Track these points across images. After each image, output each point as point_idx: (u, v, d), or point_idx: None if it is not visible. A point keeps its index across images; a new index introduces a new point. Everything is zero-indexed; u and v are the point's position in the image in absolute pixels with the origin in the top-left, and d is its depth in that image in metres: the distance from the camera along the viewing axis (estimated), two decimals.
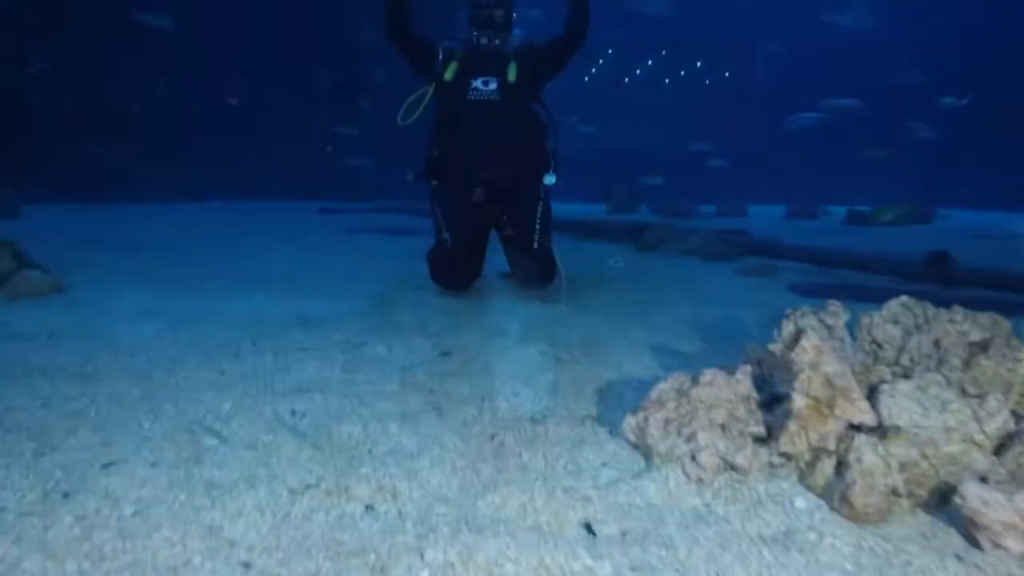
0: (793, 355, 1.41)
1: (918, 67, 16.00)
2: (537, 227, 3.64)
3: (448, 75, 3.54)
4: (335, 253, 5.52)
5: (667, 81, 21.96)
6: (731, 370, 1.70)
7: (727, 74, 21.50)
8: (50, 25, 11.41)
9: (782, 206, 14.42)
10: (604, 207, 13.34)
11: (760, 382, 1.62)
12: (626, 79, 22.23)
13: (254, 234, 6.88)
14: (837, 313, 1.79)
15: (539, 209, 3.69)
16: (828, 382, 1.33)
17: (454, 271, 3.60)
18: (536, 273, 3.64)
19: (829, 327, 1.80)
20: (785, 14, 17.62)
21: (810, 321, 1.83)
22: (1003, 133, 15.45)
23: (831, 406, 1.32)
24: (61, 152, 11.30)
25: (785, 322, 1.88)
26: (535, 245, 3.62)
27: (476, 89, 3.55)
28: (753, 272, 4.84)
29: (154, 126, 12.60)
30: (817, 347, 1.38)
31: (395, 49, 3.64)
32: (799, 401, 1.34)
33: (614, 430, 1.70)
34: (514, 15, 3.57)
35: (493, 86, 3.54)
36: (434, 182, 3.76)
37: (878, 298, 4.04)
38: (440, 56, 3.58)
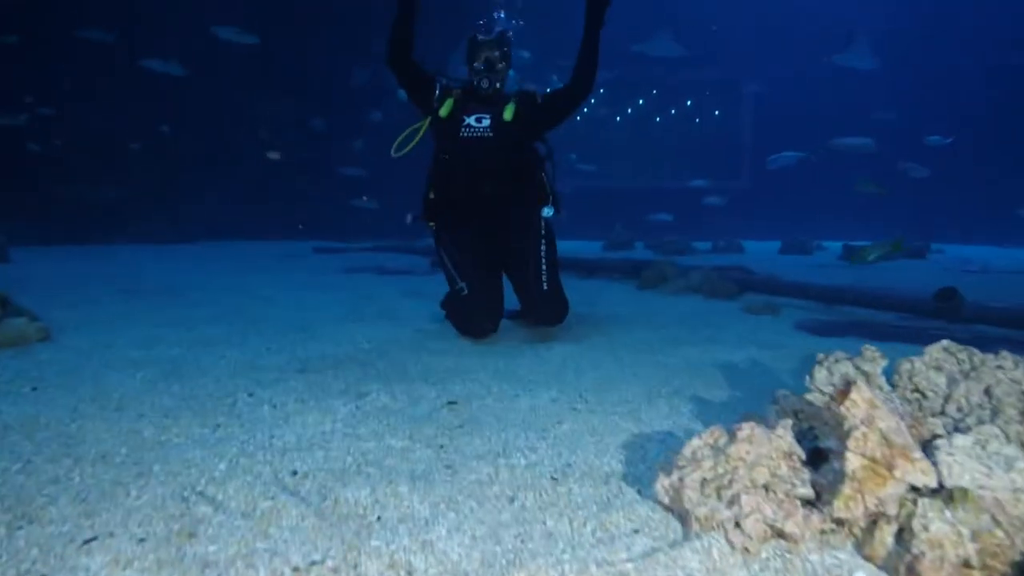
0: (843, 409, 1.29)
1: (914, 105, 16.27)
2: (543, 265, 3.56)
3: (444, 112, 3.50)
4: (331, 294, 5.41)
5: (662, 119, 22.21)
6: (769, 423, 1.58)
7: (718, 112, 21.78)
8: (45, 68, 11.43)
9: (777, 242, 14.47)
10: (600, 244, 13.34)
11: (798, 435, 1.51)
12: (617, 117, 22.49)
13: (248, 275, 6.76)
14: (874, 359, 1.69)
15: (542, 244, 3.61)
16: (885, 440, 1.22)
17: (479, 321, 3.50)
18: (548, 314, 3.56)
19: (866, 374, 1.69)
20: (789, 56, 17.88)
21: (845, 367, 1.72)
22: (993, 170, 15.63)
23: (890, 467, 1.20)
24: (51, 194, 11.22)
25: (817, 368, 1.77)
26: (544, 286, 3.53)
27: (469, 126, 3.51)
28: (758, 310, 4.75)
29: (146, 167, 12.56)
30: (870, 400, 1.27)
31: (395, 76, 3.59)
32: (854, 461, 1.23)
33: (643, 490, 1.57)
34: (511, 58, 3.54)
35: (486, 123, 3.50)
36: (432, 224, 3.68)
37: (891, 336, 3.97)
38: (438, 91, 3.54)
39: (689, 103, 21.74)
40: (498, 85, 3.49)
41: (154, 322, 3.90)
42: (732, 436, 1.43)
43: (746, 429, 1.41)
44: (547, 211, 3.61)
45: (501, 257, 3.70)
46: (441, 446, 1.92)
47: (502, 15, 3.57)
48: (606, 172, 18.86)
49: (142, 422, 2.08)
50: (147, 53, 11.16)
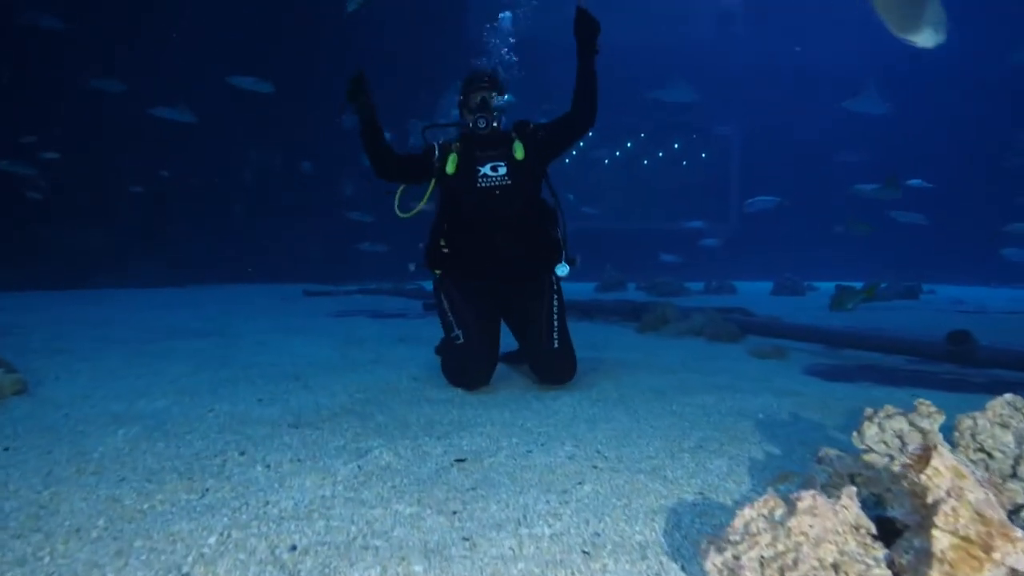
0: (924, 478, 1.15)
1: (897, 147, 16.54)
2: (555, 322, 3.43)
3: (450, 168, 3.37)
4: (323, 339, 5.22)
5: (650, 161, 22.43)
6: (820, 487, 1.43)
7: (704, 155, 22.04)
8: (34, 112, 11.35)
9: (768, 282, 14.46)
10: (591, 285, 13.25)
11: (859, 503, 1.35)
12: (606, 160, 22.71)
13: (237, 320, 6.56)
14: (931, 415, 1.55)
15: (554, 300, 3.49)
16: (978, 515, 1.07)
17: (472, 370, 3.33)
18: (558, 373, 3.40)
19: (923, 431, 1.55)
20: (775, 101, 18.22)
21: (899, 424, 1.58)
22: (981, 213, 15.82)
23: (986, 547, 1.05)
24: (36, 237, 11.02)
25: (867, 424, 1.63)
26: (555, 344, 3.39)
27: (486, 176, 3.37)
28: (765, 354, 4.62)
29: (134, 211, 12.41)
30: (955, 468, 1.13)
31: (393, 182, 3.54)
32: (942, 540, 1.07)
33: (687, 566, 1.41)
34: (506, 93, 3.45)
35: (503, 170, 3.37)
36: (437, 272, 3.54)
37: (905, 381, 3.84)
38: (436, 153, 3.42)
39: (676, 146, 22.01)
40: (495, 125, 3.39)
41: (138, 372, 3.71)
42: (791, 506, 1.27)
43: (807, 499, 1.26)
44: (562, 270, 3.47)
45: (507, 311, 3.57)
46: (454, 512, 1.74)
47: (508, 14, 3.49)
48: (595, 213, 18.93)
49: (123, 488, 1.89)
50: (138, 99, 11.14)
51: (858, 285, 12.30)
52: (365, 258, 15.13)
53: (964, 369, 4.24)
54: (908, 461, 1.20)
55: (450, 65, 16.38)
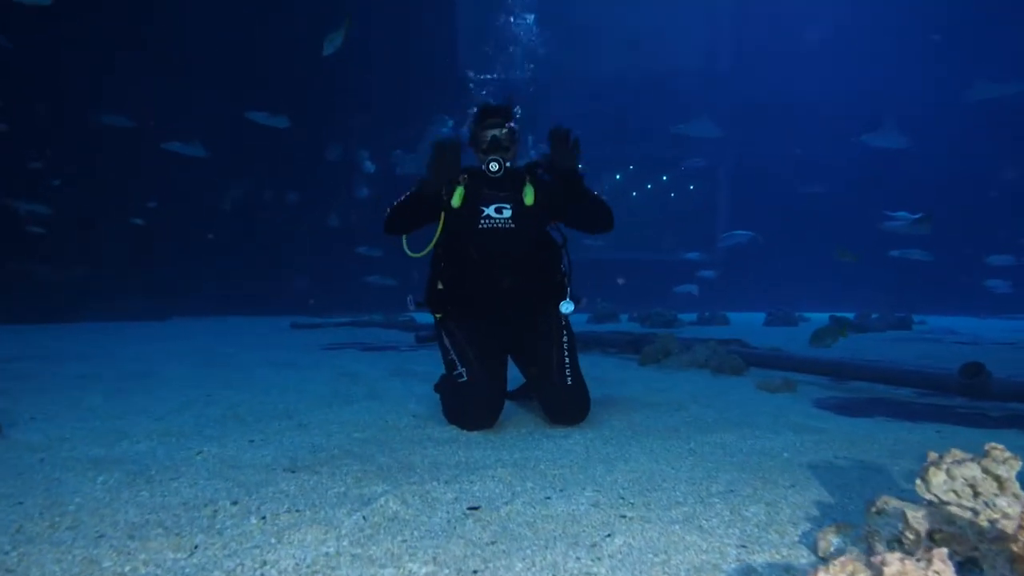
0: None
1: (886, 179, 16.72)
2: (567, 358, 3.28)
3: (456, 201, 3.22)
4: (315, 374, 5.02)
5: (639, 193, 22.53)
6: (918, 552, 1.28)
7: (692, 187, 22.18)
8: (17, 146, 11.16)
9: (760, 313, 14.41)
10: (584, 316, 13.12)
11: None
12: (595, 192, 22.75)
13: (224, 356, 6.33)
14: (1006, 460, 1.40)
15: (564, 336, 3.35)
16: None
17: (475, 411, 3.14)
18: (572, 412, 3.23)
19: (998, 479, 1.40)
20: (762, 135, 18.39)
21: (971, 471, 1.43)
22: (967, 244, 15.95)
23: None
24: (16, 271, 10.75)
25: (933, 471, 1.48)
26: (568, 380, 3.23)
27: (489, 217, 3.23)
28: (775, 388, 4.47)
29: (117, 244, 12.17)
30: None
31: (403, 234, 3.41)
32: None
33: None
34: (518, 131, 3.33)
35: (507, 213, 3.23)
36: (438, 315, 3.38)
37: (921, 415, 3.70)
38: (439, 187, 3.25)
39: (664, 178, 22.13)
40: (508, 164, 3.26)
41: (119, 411, 3.49)
42: (876, 570, 1.11)
43: (894, 563, 1.10)
44: (566, 307, 3.32)
45: (513, 348, 3.42)
46: (475, 572, 1.56)
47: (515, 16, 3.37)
48: (599, 245, 18.88)
49: (101, 546, 1.69)
50: (128, 133, 11.07)
51: (851, 316, 12.31)
52: (354, 290, 14.95)
53: (976, 402, 4.12)
54: (1019, 525, 1.05)
55: (436, 102, 16.54)
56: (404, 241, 3.40)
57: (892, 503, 1.49)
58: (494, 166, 3.18)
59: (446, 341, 3.35)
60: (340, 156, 15.01)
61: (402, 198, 3.29)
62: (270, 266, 14.26)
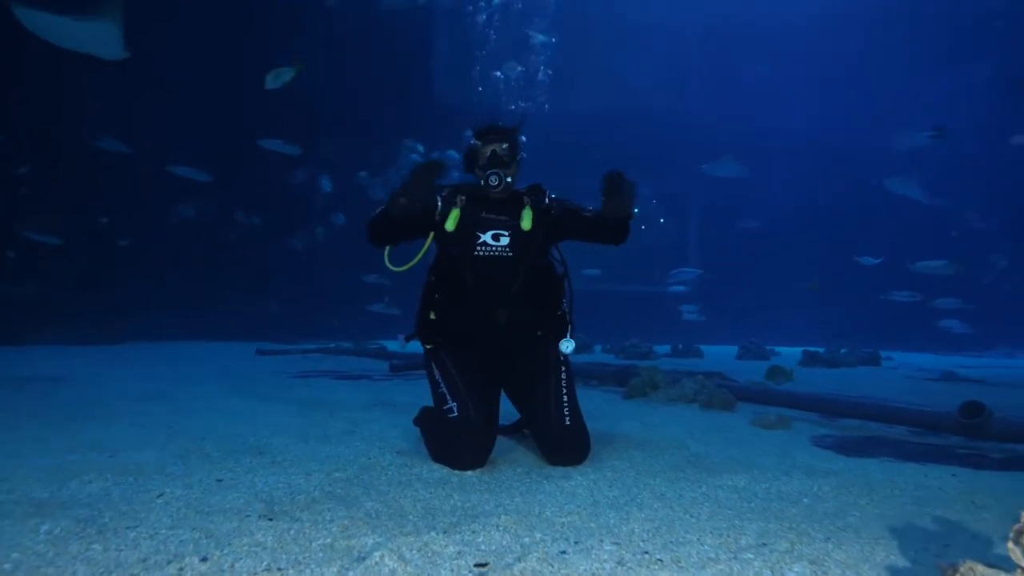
0: None
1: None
2: (564, 396, 3.07)
3: (450, 225, 3.01)
4: (286, 405, 4.70)
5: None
6: None
7: (663, 220, 22.29)
8: None
9: (731, 346, 14.39)
10: None
11: None
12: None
13: (186, 383, 5.95)
14: None
15: (563, 373, 3.14)
16: None
17: (468, 451, 2.90)
18: (572, 453, 3.00)
19: None
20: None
21: None
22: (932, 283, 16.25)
23: None
24: None
25: None
26: (567, 420, 3.01)
27: (485, 244, 3.03)
28: (770, 425, 4.32)
29: (71, 263, 11.60)
30: None
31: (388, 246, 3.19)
32: None
33: None
34: (521, 150, 3.15)
35: (505, 240, 3.04)
36: (429, 346, 3.15)
37: (923, 456, 3.56)
38: (439, 204, 3.05)
39: (636, 211, 22.19)
40: (509, 180, 3.08)
41: (68, 446, 3.15)
42: None
43: None
44: (566, 346, 3.12)
45: (507, 382, 3.21)
46: None
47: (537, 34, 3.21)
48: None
49: None
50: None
51: (821, 350, 12.36)
52: (320, 316, 14.54)
53: (973, 442, 4.02)
54: None
55: (408, 127, 16.43)
56: (386, 254, 3.18)
57: (979, 570, 1.30)
58: (494, 179, 2.99)
59: (436, 373, 3.12)
60: (305, 179, 14.72)
61: (378, 211, 3.08)
62: (233, 290, 13.80)
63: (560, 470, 2.91)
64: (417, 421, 3.43)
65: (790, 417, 4.53)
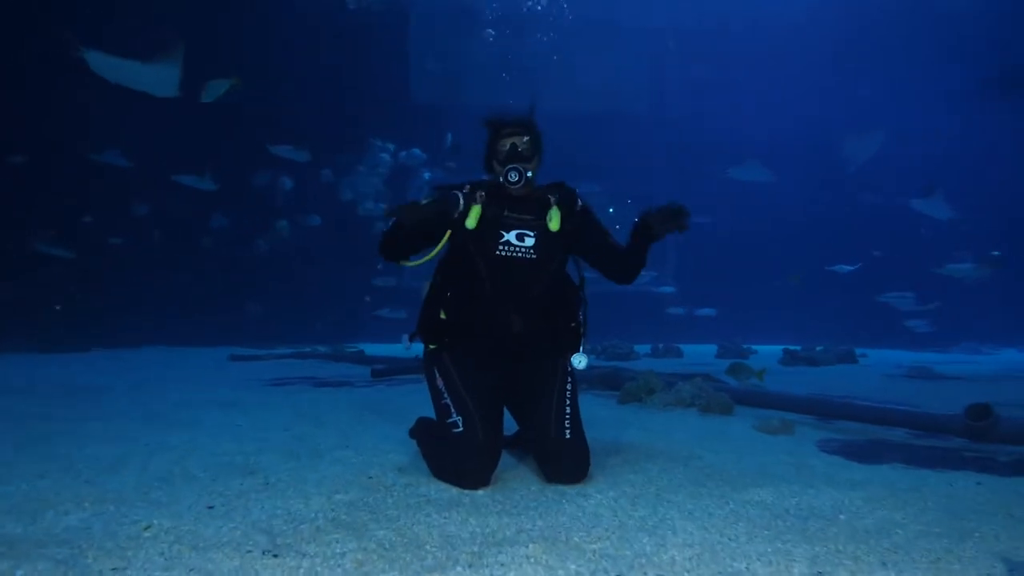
0: None
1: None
2: (568, 408, 2.90)
3: (471, 222, 2.82)
4: (270, 416, 4.46)
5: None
6: None
7: (637, 220, 22.31)
8: None
9: (711, 345, 14.40)
10: None
11: None
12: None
13: (159, 393, 5.65)
14: None
15: (568, 384, 2.98)
16: None
17: (474, 470, 2.72)
18: (570, 469, 2.80)
19: None
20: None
21: None
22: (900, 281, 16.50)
23: None
24: None
25: None
26: (567, 433, 2.84)
27: (508, 243, 2.85)
28: (774, 430, 4.22)
29: (34, 266, 11.10)
30: None
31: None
32: None
33: None
34: (541, 142, 2.98)
35: (530, 241, 2.86)
36: (432, 346, 2.95)
37: (939, 462, 3.48)
38: (461, 201, 2.84)
39: (611, 210, 22.20)
40: (530, 174, 2.89)
41: (40, 466, 2.89)
42: None
43: None
44: (579, 361, 2.97)
45: (509, 392, 3.01)
46: None
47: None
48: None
49: None
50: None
51: (798, 348, 12.42)
52: (293, 320, 14.18)
53: (978, 445, 3.96)
54: None
55: (381, 127, 16.16)
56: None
57: None
58: (513, 175, 2.81)
59: (439, 381, 2.92)
60: (269, 181, 14.33)
61: (388, 227, 2.89)
62: (204, 295, 13.37)
63: (575, 487, 2.74)
64: (414, 433, 3.24)
65: (792, 422, 4.44)
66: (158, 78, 6.41)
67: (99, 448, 3.32)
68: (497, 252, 2.83)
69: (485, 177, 3.06)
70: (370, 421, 4.27)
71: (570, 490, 2.70)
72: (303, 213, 14.88)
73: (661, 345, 12.99)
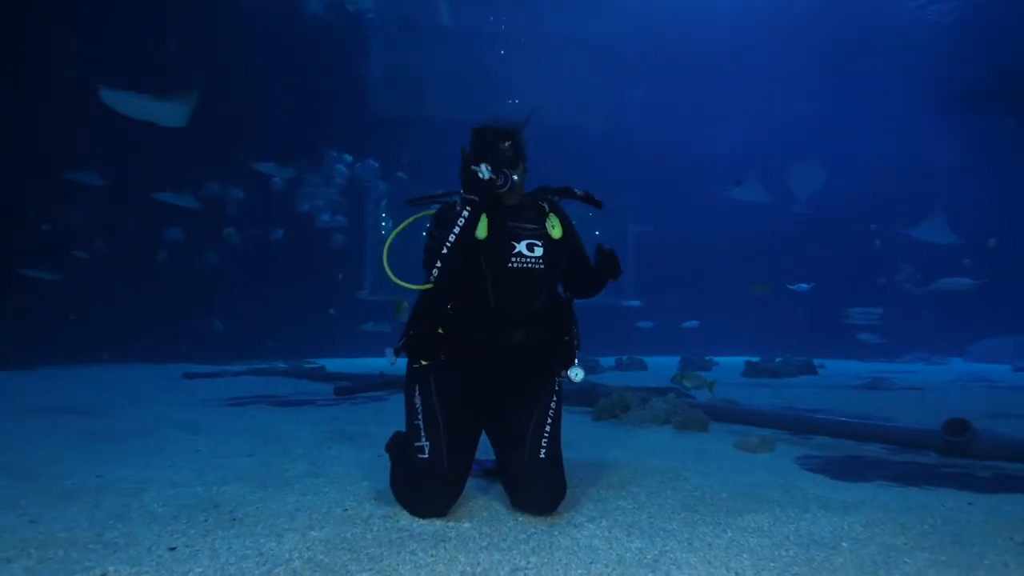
0: None
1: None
2: (548, 428, 2.75)
3: (481, 232, 2.67)
4: (230, 441, 4.20)
5: None
6: None
7: (597, 232, 22.43)
8: None
9: (673, 357, 14.46)
10: None
11: None
12: None
13: (109, 416, 5.30)
14: None
15: (553, 401, 2.83)
16: None
17: (430, 496, 2.58)
18: (540, 495, 2.61)
19: None
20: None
21: None
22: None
23: None
24: None
25: None
26: (542, 453, 2.68)
27: (521, 255, 2.71)
28: (753, 447, 4.16)
29: None
30: None
31: None
32: None
33: None
34: (524, 150, 2.85)
35: (539, 251, 2.73)
36: (424, 363, 2.77)
37: (922, 479, 3.46)
38: (465, 213, 2.64)
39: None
40: (516, 178, 2.77)
41: None
42: None
43: None
44: (576, 374, 2.81)
45: (492, 416, 2.83)
46: None
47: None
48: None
49: None
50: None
51: (757, 359, 12.56)
52: (247, 334, 13.71)
53: (953, 460, 3.97)
54: None
55: (337, 138, 15.87)
56: (388, 267, 2.75)
57: None
58: (501, 180, 2.69)
59: (417, 400, 2.74)
60: (219, 191, 13.87)
61: (441, 246, 2.63)
62: (155, 309, 12.81)
63: (566, 516, 2.61)
64: (390, 448, 3.06)
65: (770, 438, 4.39)
66: (172, 114, 7.32)
67: (45, 480, 3.05)
68: (510, 264, 2.69)
69: (452, 190, 2.91)
70: (339, 446, 4.06)
71: (560, 519, 2.57)
72: (258, 224, 14.47)
73: (625, 358, 12.98)
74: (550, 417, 2.79)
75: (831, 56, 18.13)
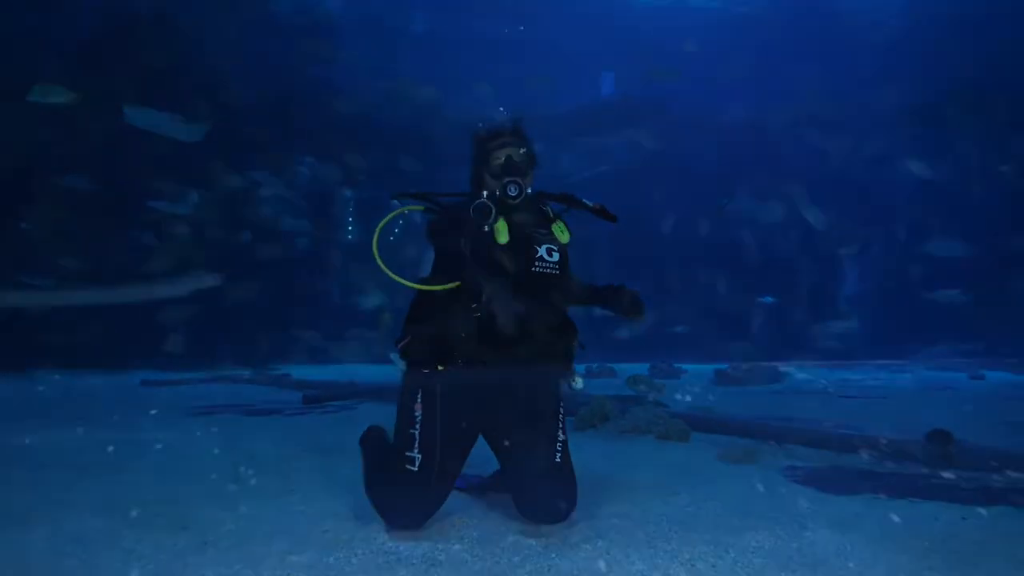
0: None
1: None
2: (559, 435, 2.68)
3: (501, 237, 2.54)
4: (199, 454, 3.98)
5: None
6: None
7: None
8: None
9: (642, 365, 14.46)
10: None
11: None
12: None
13: (61, 428, 5.00)
14: None
15: (561, 411, 2.77)
16: None
17: (410, 508, 2.49)
18: (554, 502, 2.56)
19: None
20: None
21: None
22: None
23: None
24: None
25: None
26: (557, 457, 2.60)
27: (542, 260, 2.64)
28: (737, 459, 4.11)
29: None
30: None
31: None
32: None
33: None
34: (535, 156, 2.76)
35: (556, 256, 2.68)
36: (426, 370, 2.63)
37: (909, 491, 3.44)
38: (480, 213, 2.55)
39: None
40: (528, 190, 2.66)
41: None
42: None
43: None
44: (580, 382, 2.77)
45: (491, 426, 2.71)
46: None
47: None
48: None
49: None
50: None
51: (725, 367, 12.65)
52: (210, 339, 13.29)
53: (935, 470, 3.97)
54: None
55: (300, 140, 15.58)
56: (380, 262, 2.62)
57: None
58: (513, 189, 2.56)
59: (417, 409, 2.59)
60: (172, 191, 13.48)
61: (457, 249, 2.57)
62: (108, 311, 12.30)
63: (558, 533, 2.50)
64: (364, 442, 2.91)
65: (753, 449, 4.35)
66: (189, 131, 8.59)
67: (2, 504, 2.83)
68: (534, 268, 2.61)
69: (456, 191, 2.81)
70: (312, 458, 3.88)
71: (552, 539, 2.46)
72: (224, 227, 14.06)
73: (595, 365, 12.94)
74: (560, 423, 2.75)
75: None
